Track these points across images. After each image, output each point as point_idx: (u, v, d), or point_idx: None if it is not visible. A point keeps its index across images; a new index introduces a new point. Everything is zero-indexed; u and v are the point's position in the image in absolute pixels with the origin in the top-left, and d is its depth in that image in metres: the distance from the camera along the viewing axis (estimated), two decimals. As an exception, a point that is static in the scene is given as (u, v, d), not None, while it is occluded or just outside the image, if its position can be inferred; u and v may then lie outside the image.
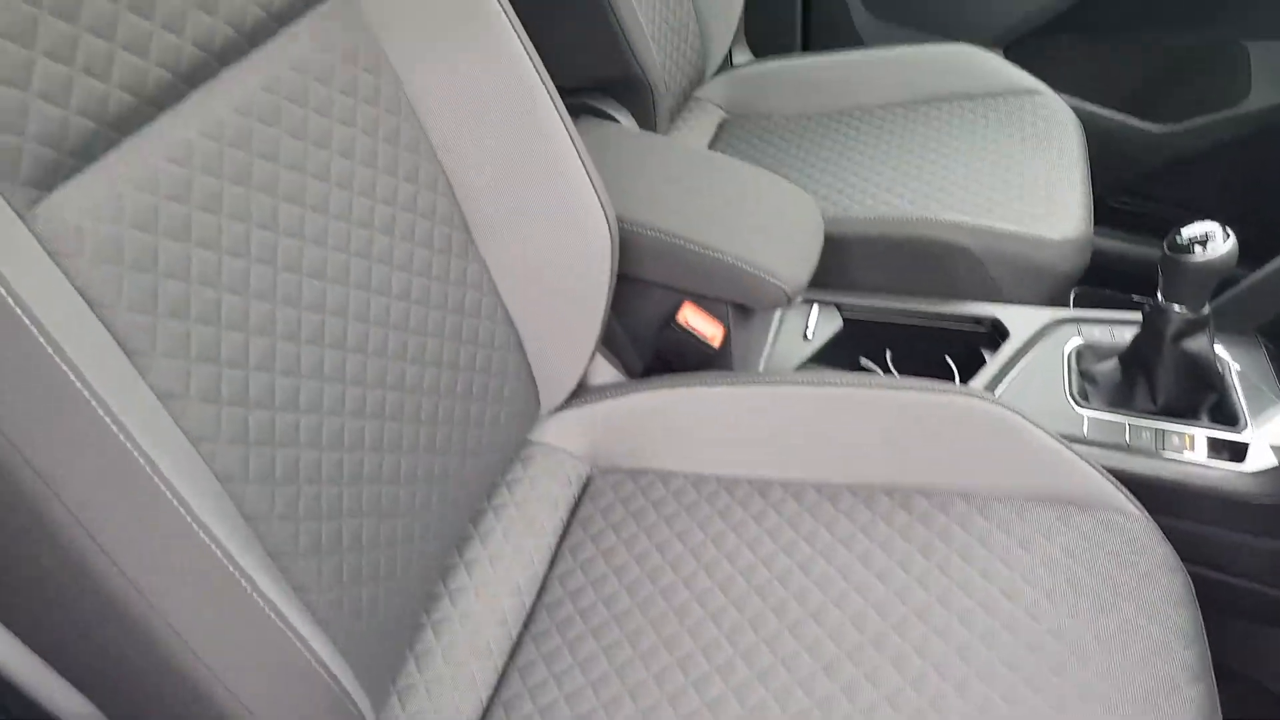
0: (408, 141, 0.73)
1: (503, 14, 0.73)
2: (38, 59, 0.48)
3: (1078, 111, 1.33)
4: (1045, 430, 0.79)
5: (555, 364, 0.86)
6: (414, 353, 0.72)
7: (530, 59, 0.74)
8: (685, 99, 1.40)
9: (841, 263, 1.10)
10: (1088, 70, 1.56)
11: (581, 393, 0.90)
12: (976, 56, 1.37)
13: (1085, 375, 0.96)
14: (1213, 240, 0.81)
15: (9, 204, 0.47)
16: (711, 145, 1.37)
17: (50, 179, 0.49)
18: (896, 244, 1.09)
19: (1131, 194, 1.56)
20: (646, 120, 1.15)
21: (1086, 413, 0.92)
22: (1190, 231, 0.82)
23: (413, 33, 0.72)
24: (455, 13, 0.73)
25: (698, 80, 1.41)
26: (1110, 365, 0.95)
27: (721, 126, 1.41)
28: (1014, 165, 1.18)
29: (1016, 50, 1.56)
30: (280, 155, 0.62)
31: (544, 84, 0.75)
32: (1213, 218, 0.84)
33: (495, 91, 0.75)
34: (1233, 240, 0.81)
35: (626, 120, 1.15)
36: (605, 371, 0.95)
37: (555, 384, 0.88)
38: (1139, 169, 1.55)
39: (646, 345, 0.96)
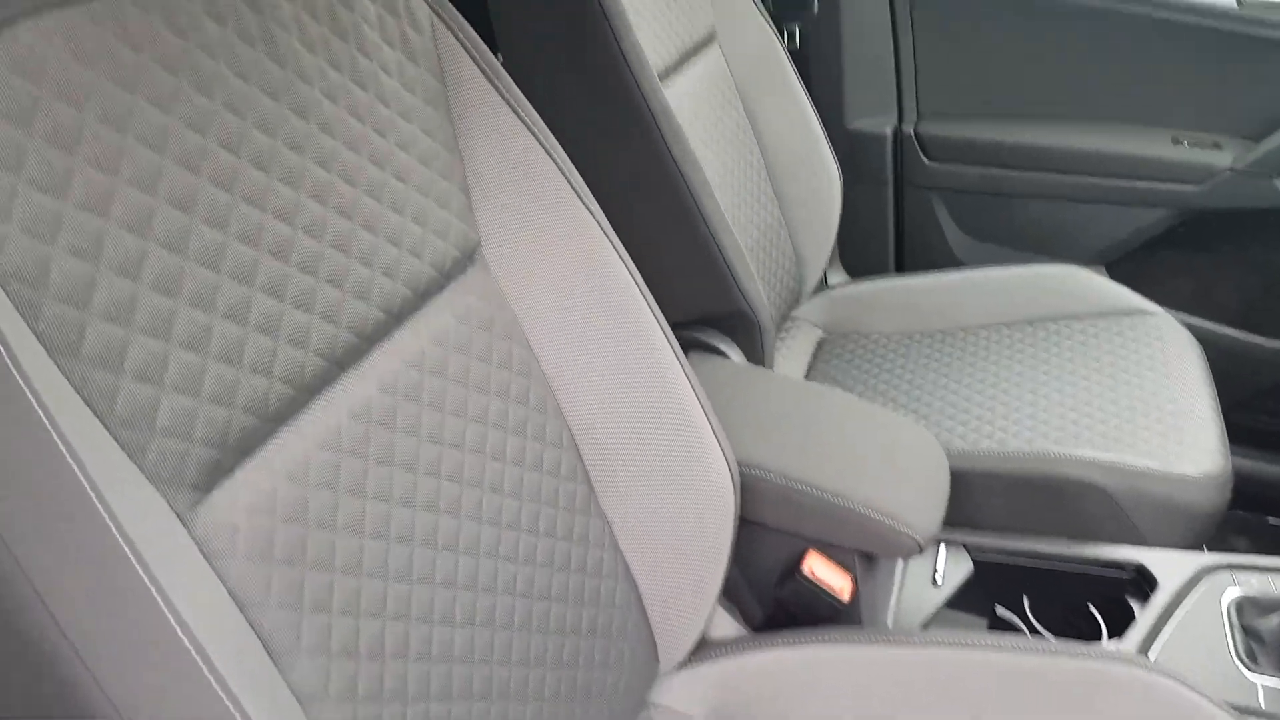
0: (536, 402, 0.73)
1: (619, 261, 0.75)
2: (209, 364, 0.49)
3: (1190, 329, 1.30)
4: (1215, 703, 0.71)
5: (676, 620, 0.82)
6: (538, 622, 0.69)
7: (648, 305, 0.75)
8: (783, 319, 1.40)
9: (965, 500, 1.05)
10: (1194, 286, 1.54)
11: (701, 648, 0.85)
12: (1080, 276, 1.36)
13: (1250, 632, 0.88)
14: None
15: (171, 508, 0.47)
16: (811, 366, 1.36)
17: (212, 479, 0.49)
18: (1023, 481, 1.04)
19: (1252, 410, 1.50)
20: (754, 353, 1.16)
21: (1260, 679, 0.83)
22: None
23: (540, 293, 0.74)
24: (576, 267, 0.74)
25: (794, 301, 1.42)
26: (1278, 621, 0.87)
27: (820, 346, 1.41)
28: (1137, 392, 1.14)
29: (1119, 268, 1.55)
30: (421, 429, 0.62)
31: (661, 328, 0.76)
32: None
33: (612, 338, 0.75)
34: None
35: (734, 354, 1.15)
36: (724, 622, 0.91)
37: (675, 641, 0.83)
38: (1259, 385, 1.49)
39: (767, 594, 0.92)
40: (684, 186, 1.06)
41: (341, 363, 0.58)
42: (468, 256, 0.70)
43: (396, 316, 0.63)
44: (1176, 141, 1.46)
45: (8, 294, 0.41)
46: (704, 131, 1.22)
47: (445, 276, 0.68)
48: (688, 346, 1.15)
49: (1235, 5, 1.36)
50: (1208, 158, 1.44)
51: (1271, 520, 1.47)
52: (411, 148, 0.65)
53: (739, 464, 0.82)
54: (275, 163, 0.54)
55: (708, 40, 1.29)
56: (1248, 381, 1.50)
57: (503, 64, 0.72)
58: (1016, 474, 1.04)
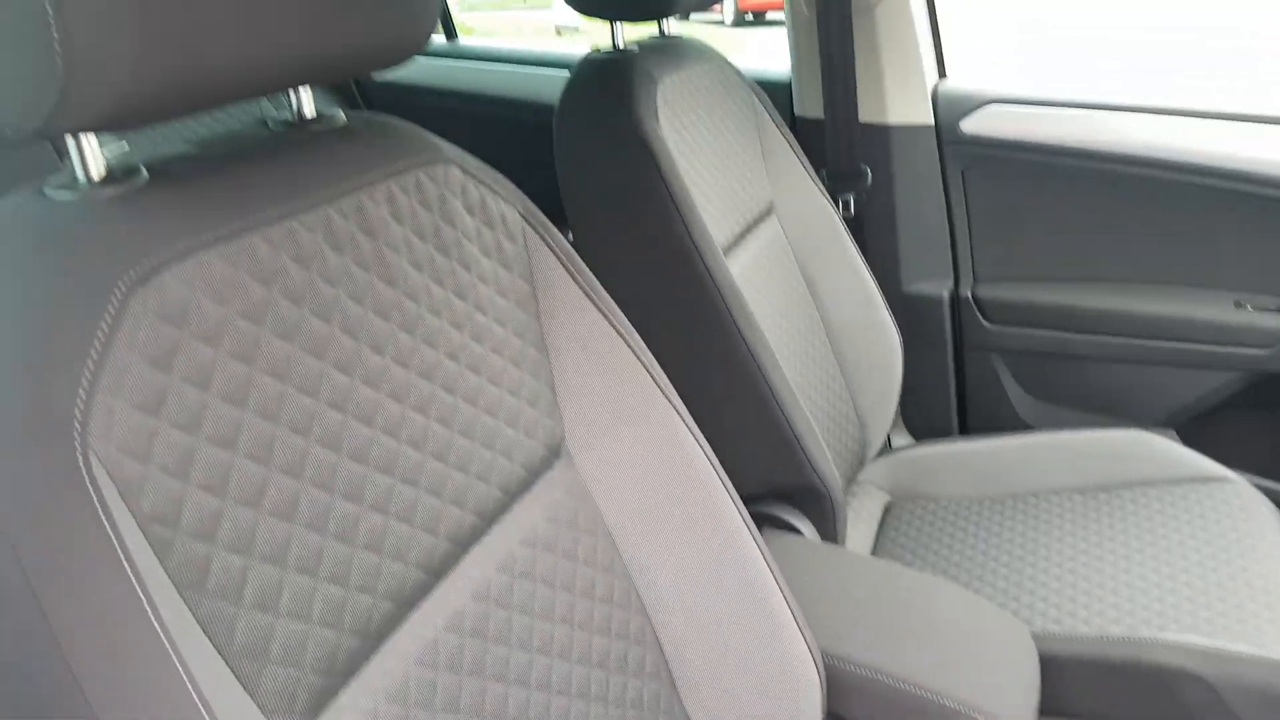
0: (620, 598, 0.72)
1: (696, 445, 0.75)
2: (320, 586, 0.49)
3: (1268, 493, 1.26)
4: None
5: None
6: None
7: (726, 491, 0.75)
8: (848, 483, 1.39)
9: (1056, 687, 1.00)
10: (1269, 450, 1.50)
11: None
12: (1153, 441, 1.34)
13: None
14: None
15: None
16: (880, 532, 1.34)
17: (319, 704, 0.49)
18: (1114, 668, 1.00)
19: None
20: (826, 527, 1.14)
21: None
22: None
23: (622, 484, 0.74)
24: (656, 455, 0.75)
25: (859, 464, 1.41)
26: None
27: (888, 510, 1.39)
28: (1225, 567, 1.10)
29: (1190, 432, 1.52)
30: (512, 635, 0.62)
31: (740, 513, 0.75)
32: None
33: (693, 529, 0.75)
34: None
35: (806, 528, 1.14)
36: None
37: None
38: None
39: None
40: (751, 360, 1.08)
41: (438, 572, 0.58)
42: (554, 452, 0.71)
43: (488, 519, 0.64)
44: (1239, 305, 1.46)
45: (146, 537, 0.42)
46: (766, 302, 1.25)
47: (533, 474, 0.69)
48: (760, 522, 1.14)
49: (1286, 174, 1.38)
50: (1272, 321, 1.43)
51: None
52: (505, 350, 0.67)
53: (825, 655, 0.80)
54: (384, 380, 0.57)
55: (767, 213, 1.33)
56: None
57: (572, 243, 0.75)
58: (1110, 660, 1.00)
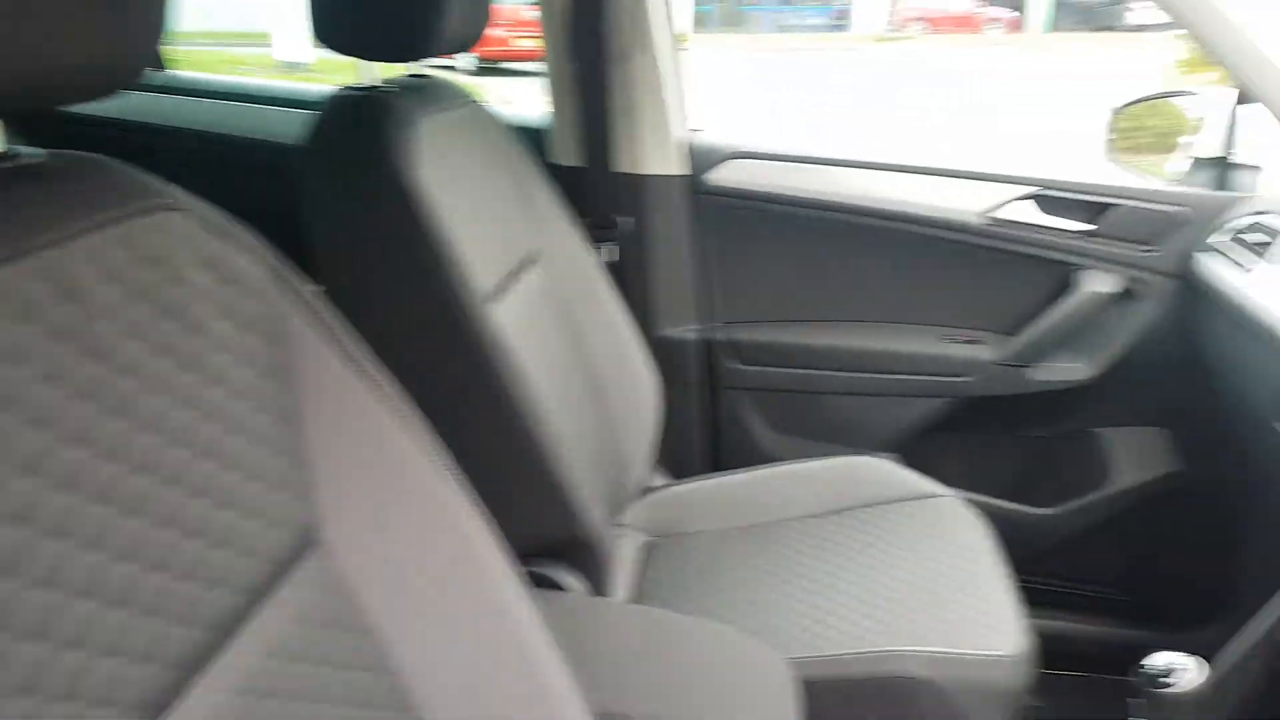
0: (384, 698, 0.67)
1: (467, 514, 0.71)
2: None
3: (975, 505, 1.41)
4: None
5: None
6: None
7: (497, 561, 0.72)
8: (614, 529, 1.41)
9: (810, 709, 1.06)
10: (974, 466, 1.70)
11: None
12: (879, 465, 1.47)
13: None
14: (1186, 671, 0.82)
15: None
16: (643, 574, 1.37)
17: None
18: (860, 683, 1.07)
19: (1034, 574, 1.64)
20: (596, 577, 1.15)
21: None
22: (1154, 663, 0.84)
23: (386, 570, 0.69)
24: (423, 533, 0.70)
25: (620, 509, 1.44)
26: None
27: (649, 551, 1.42)
28: (942, 576, 1.22)
29: (911, 454, 1.68)
30: None
31: (511, 580, 0.72)
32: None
33: (464, 609, 0.70)
34: (1205, 669, 0.83)
35: (578, 582, 1.14)
36: None
37: None
38: (1038, 549, 1.64)
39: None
40: (518, 413, 1.07)
41: (160, 706, 0.51)
42: (305, 541, 0.62)
43: (225, 633, 0.55)
44: (946, 339, 1.64)
45: None
46: (533, 351, 1.24)
47: (281, 571, 0.61)
48: (532, 582, 1.12)
49: (983, 223, 1.57)
50: (973, 352, 1.62)
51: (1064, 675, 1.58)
52: (244, 429, 0.59)
53: (603, 714, 0.80)
54: (85, 479, 0.47)
55: (532, 260, 1.33)
56: (1027, 547, 1.65)
57: (325, 294, 0.69)
58: (856, 676, 1.07)
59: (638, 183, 1.64)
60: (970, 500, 1.46)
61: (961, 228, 1.58)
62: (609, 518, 1.37)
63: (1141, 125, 2.30)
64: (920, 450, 1.68)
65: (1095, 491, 1.63)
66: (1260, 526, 1.51)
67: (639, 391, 1.44)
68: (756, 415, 1.73)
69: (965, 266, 1.63)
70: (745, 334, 1.70)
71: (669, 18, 1.65)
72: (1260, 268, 1.31)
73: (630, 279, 1.63)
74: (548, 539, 1.12)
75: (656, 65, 1.61)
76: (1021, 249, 1.58)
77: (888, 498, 1.42)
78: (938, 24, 20.84)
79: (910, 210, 1.60)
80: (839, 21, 22.75)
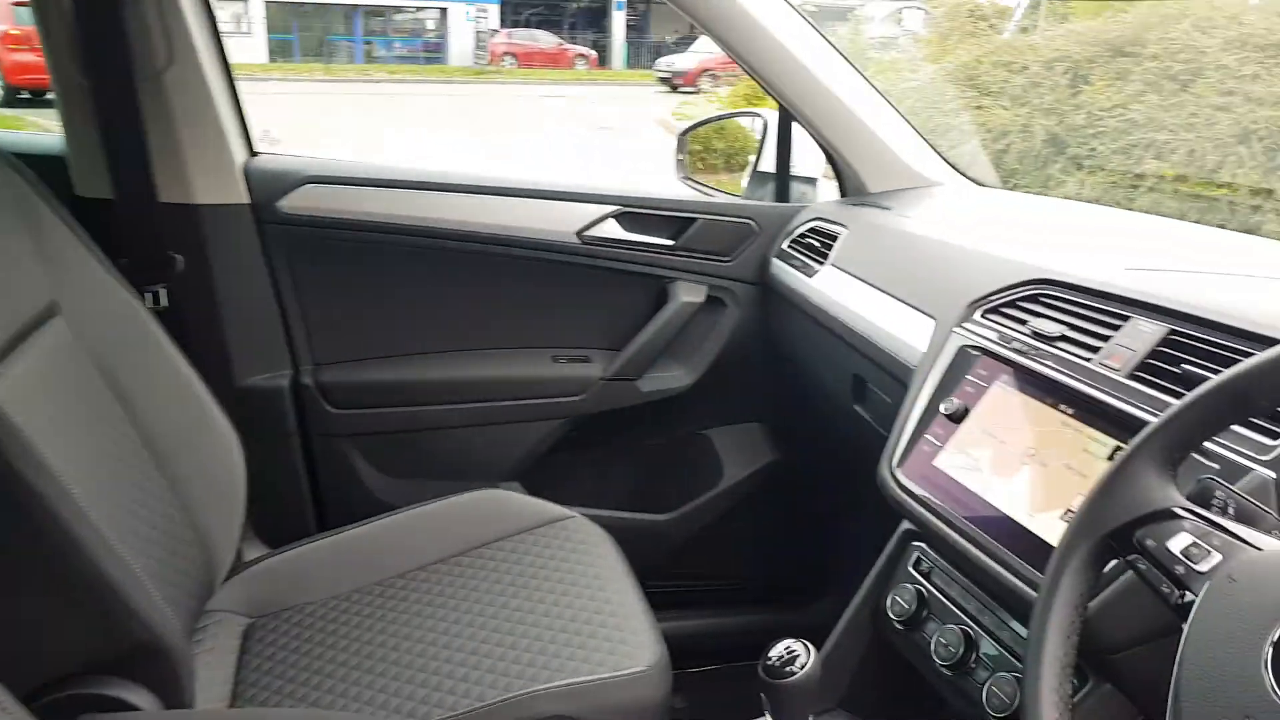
0: None
1: None
2: None
3: (600, 521, 1.40)
4: None
5: None
6: None
7: None
8: (195, 620, 1.19)
9: None
10: (595, 483, 1.70)
11: None
12: (502, 496, 1.40)
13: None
14: (799, 656, 0.84)
15: None
16: (242, 663, 1.16)
17: None
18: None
19: (663, 578, 1.68)
20: (171, 690, 0.93)
21: None
22: (774, 653, 0.85)
23: None
24: None
25: (208, 594, 1.22)
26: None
27: (248, 636, 1.22)
28: (580, 601, 1.18)
29: (533, 480, 1.64)
30: None
31: None
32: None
33: None
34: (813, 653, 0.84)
35: (145, 699, 0.91)
36: None
37: None
38: (662, 554, 1.68)
39: None
40: (39, 505, 0.83)
41: None
42: None
43: None
44: (556, 360, 1.62)
45: None
46: (56, 424, 0.99)
47: None
48: (81, 709, 0.88)
49: (578, 242, 1.57)
50: (584, 371, 1.61)
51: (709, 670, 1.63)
52: None
53: None
54: None
55: (47, 315, 1.07)
56: (655, 554, 1.68)
57: None
58: None
59: (190, 214, 1.43)
60: (596, 517, 1.45)
61: (559, 248, 1.57)
62: (193, 607, 1.15)
63: (709, 146, 2.51)
64: (542, 474, 1.65)
65: (709, 490, 1.70)
66: (851, 504, 1.66)
67: (216, 453, 1.23)
68: (362, 462, 1.58)
69: (567, 286, 1.62)
70: (339, 375, 1.55)
71: (214, 33, 1.45)
72: (823, 270, 1.44)
73: (193, 324, 1.40)
74: (100, 656, 0.89)
75: (205, 84, 1.41)
76: (617, 265, 1.60)
77: (515, 529, 1.36)
78: (526, 59, 21.76)
79: (505, 232, 1.55)
80: (432, 54, 22.89)
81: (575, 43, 23.24)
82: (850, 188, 1.57)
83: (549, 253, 1.57)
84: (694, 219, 1.59)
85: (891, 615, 1.06)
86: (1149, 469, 0.66)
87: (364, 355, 1.57)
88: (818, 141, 1.54)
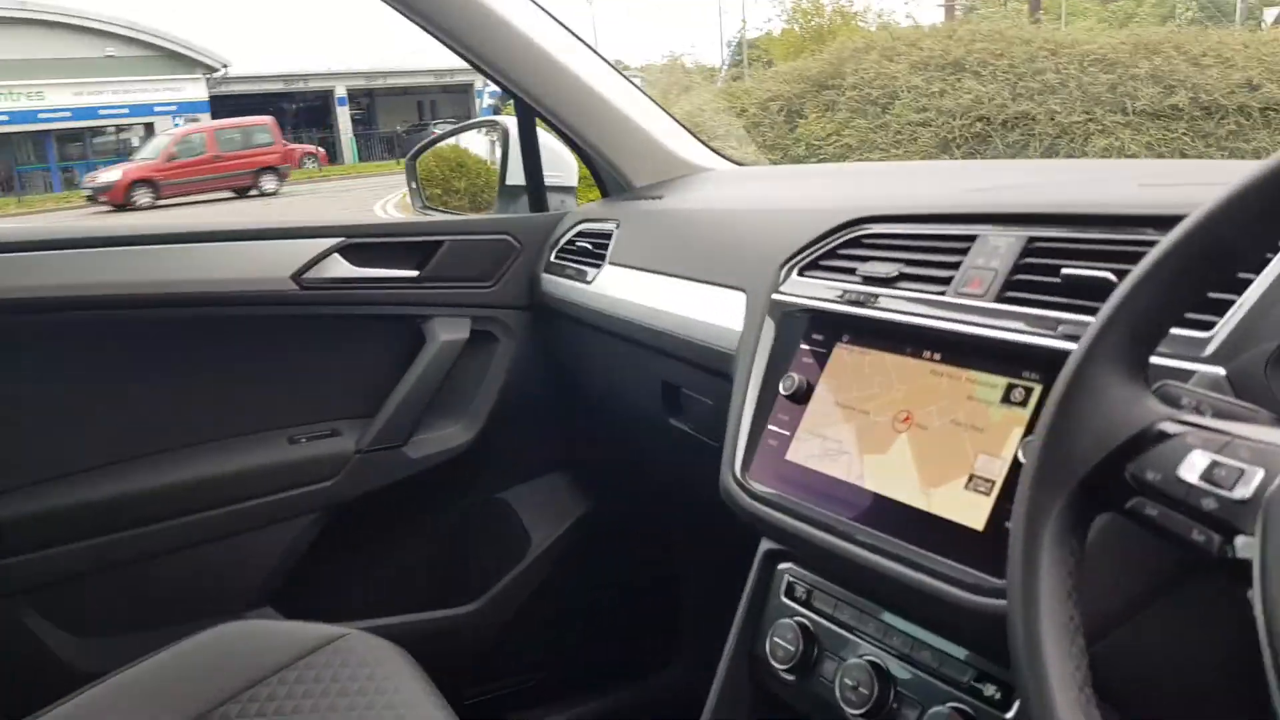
0: None
1: None
2: None
3: (384, 632, 1.10)
4: None
5: None
6: None
7: None
8: None
9: None
10: (374, 588, 1.37)
11: None
12: (250, 629, 1.07)
13: None
14: None
15: None
16: None
17: None
18: None
19: (477, 682, 1.38)
20: None
21: None
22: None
23: None
24: None
25: None
26: None
27: None
28: None
29: (289, 600, 1.30)
30: None
31: None
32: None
33: None
34: None
35: None
36: None
37: None
38: (470, 656, 1.38)
39: None
40: None
41: None
42: None
43: None
44: (294, 441, 1.29)
45: None
46: None
47: None
48: None
49: (296, 288, 1.26)
50: (332, 447, 1.30)
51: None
52: None
53: None
54: None
55: None
56: (459, 658, 1.37)
57: None
58: None
59: None
60: (379, 628, 1.13)
61: (270, 298, 1.25)
62: None
63: (450, 187, 2.26)
64: (300, 589, 1.31)
65: (517, 564, 1.42)
66: (690, 539, 1.44)
67: None
68: (44, 624, 1.17)
69: (291, 345, 1.30)
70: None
71: None
72: (601, 271, 1.22)
73: None
74: None
75: None
76: (352, 310, 1.30)
77: (272, 666, 1.02)
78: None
79: (199, 289, 1.22)
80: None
81: (300, 141, 22.39)
82: (613, 187, 1.38)
83: (260, 306, 1.25)
84: (440, 242, 1.33)
85: (775, 663, 0.83)
86: (1113, 378, 0.47)
87: (27, 479, 1.17)
88: (572, 141, 1.34)
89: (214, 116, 22.09)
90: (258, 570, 1.27)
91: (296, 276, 1.25)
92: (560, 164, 1.49)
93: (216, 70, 22.73)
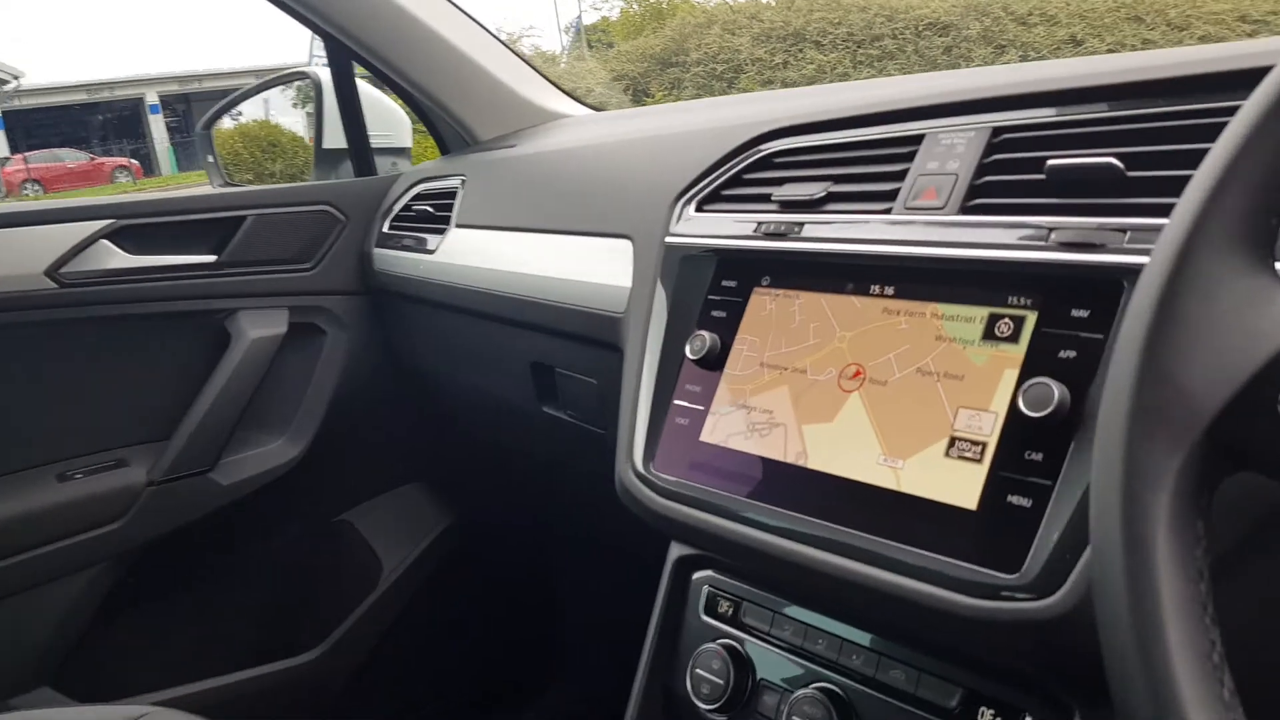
0: None
1: None
2: None
3: (198, 699, 0.88)
4: None
5: None
6: None
7: None
8: None
9: None
10: (187, 638, 1.11)
11: None
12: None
13: None
14: None
15: None
16: None
17: None
18: None
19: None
20: None
21: None
22: None
23: None
24: None
25: None
26: None
27: None
28: None
29: (74, 675, 1.02)
30: None
31: None
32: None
33: None
34: None
35: None
36: None
37: None
38: (313, 710, 1.15)
39: None
40: None
41: None
42: None
43: None
44: (67, 477, 1.02)
45: None
46: None
47: None
48: None
49: (54, 286, 0.99)
50: (117, 481, 1.03)
51: None
52: None
53: None
54: None
55: None
56: (297, 717, 1.14)
57: None
58: None
59: None
60: (193, 697, 0.90)
61: (21, 300, 0.97)
62: None
63: (263, 169, 1.97)
64: (89, 662, 1.04)
65: (368, 596, 1.19)
66: (579, 549, 1.24)
67: None
68: None
69: (56, 358, 1.03)
70: None
71: None
72: (447, 236, 1.01)
73: None
74: None
75: None
76: (132, 309, 1.04)
77: None
78: (54, 182, 18.89)
79: None
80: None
81: (112, 154, 20.69)
82: (455, 143, 1.17)
83: (7, 312, 0.97)
84: (241, 218, 1.08)
85: (699, 701, 0.65)
86: (1233, 267, 0.31)
87: None
88: (405, 90, 1.12)
89: (8, 132, 20.16)
90: (28, 644, 1.00)
91: (54, 271, 0.98)
92: (389, 121, 1.27)
93: (7, 83, 20.71)
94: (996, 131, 0.56)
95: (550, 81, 1.22)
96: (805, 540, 0.54)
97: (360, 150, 1.22)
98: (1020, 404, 0.47)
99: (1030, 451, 0.47)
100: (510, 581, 1.30)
